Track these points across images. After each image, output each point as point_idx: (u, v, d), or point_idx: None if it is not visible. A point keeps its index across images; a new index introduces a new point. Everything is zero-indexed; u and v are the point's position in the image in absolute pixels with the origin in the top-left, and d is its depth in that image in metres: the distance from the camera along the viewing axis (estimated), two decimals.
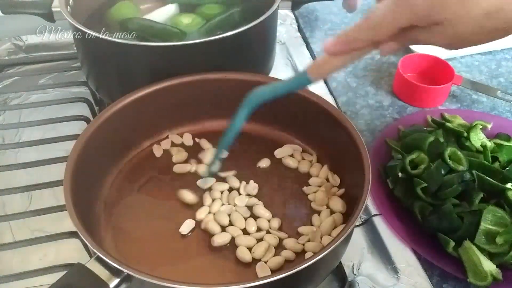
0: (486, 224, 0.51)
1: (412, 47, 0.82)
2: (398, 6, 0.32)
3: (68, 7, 0.66)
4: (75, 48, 0.70)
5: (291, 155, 0.61)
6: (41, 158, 0.61)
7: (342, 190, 0.56)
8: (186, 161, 0.60)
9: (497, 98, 0.75)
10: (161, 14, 0.74)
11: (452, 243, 0.52)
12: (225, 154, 0.54)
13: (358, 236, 0.56)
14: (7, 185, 0.58)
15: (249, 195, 0.56)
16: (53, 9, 0.72)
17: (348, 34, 0.37)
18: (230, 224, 0.53)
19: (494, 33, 0.31)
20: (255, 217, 0.54)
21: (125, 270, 0.40)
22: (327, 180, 0.58)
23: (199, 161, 0.60)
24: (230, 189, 0.57)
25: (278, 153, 0.61)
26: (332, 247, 0.41)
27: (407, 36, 0.34)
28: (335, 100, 0.76)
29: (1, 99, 0.76)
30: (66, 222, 0.45)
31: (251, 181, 0.57)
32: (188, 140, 0.63)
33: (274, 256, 0.50)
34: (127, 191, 0.57)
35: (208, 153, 0.60)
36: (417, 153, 0.59)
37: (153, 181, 0.58)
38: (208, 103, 0.63)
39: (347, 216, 0.53)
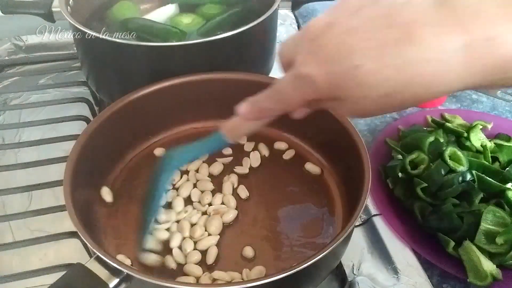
0: (486, 224, 0.51)
1: None
2: (299, 82, 0.33)
3: (68, 7, 0.66)
4: (75, 48, 0.70)
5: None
6: (41, 158, 0.61)
7: None
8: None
9: (497, 98, 0.75)
10: (161, 14, 0.74)
11: (452, 243, 0.52)
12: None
13: (358, 236, 0.56)
14: (7, 185, 0.58)
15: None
16: (53, 9, 0.72)
17: (259, 103, 0.39)
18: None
19: (391, 109, 0.32)
20: None
21: (124, 270, 0.40)
22: None
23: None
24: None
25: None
26: (332, 247, 0.41)
27: (316, 104, 0.35)
28: None
29: (1, 99, 0.76)
30: (66, 222, 0.45)
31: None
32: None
33: None
34: (127, 191, 0.57)
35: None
36: (417, 153, 0.59)
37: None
38: (208, 103, 0.63)
39: (347, 216, 0.53)
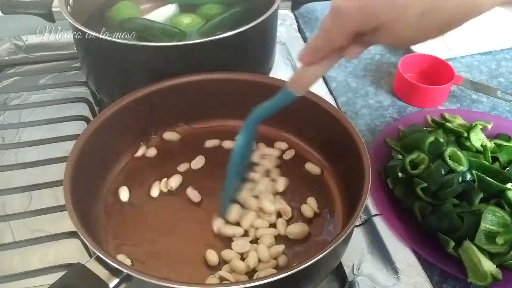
0: (486, 224, 0.51)
1: (412, 47, 0.82)
2: (336, 16, 0.35)
3: (68, 7, 0.66)
4: (75, 48, 0.70)
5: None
6: (41, 158, 0.61)
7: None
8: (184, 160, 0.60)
9: (497, 98, 0.75)
10: (161, 14, 0.74)
11: (452, 243, 0.52)
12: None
13: (358, 236, 0.56)
14: (7, 185, 0.58)
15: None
16: (53, 9, 0.72)
17: (310, 44, 0.40)
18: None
19: (430, 32, 0.32)
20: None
21: (124, 270, 0.40)
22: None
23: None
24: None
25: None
26: (332, 247, 0.41)
27: (363, 39, 0.36)
28: (335, 100, 0.76)
29: (1, 99, 0.76)
30: (66, 222, 0.45)
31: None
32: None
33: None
34: (127, 190, 0.57)
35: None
36: (417, 153, 0.59)
37: (153, 180, 0.58)
38: (208, 103, 0.63)
39: (347, 216, 0.53)
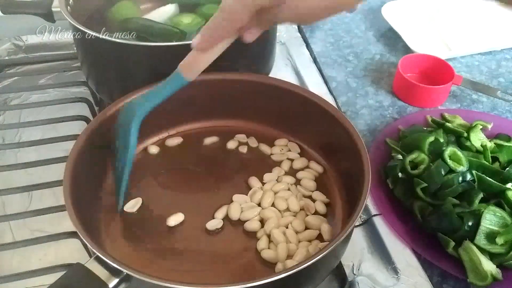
0: (486, 224, 0.51)
1: (412, 47, 0.82)
2: None
3: (68, 7, 0.66)
4: (75, 48, 0.70)
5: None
6: (41, 158, 0.61)
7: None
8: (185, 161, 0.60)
9: (497, 98, 0.75)
10: (161, 14, 0.74)
11: (452, 243, 0.52)
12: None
13: (358, 236, 0.56)
14: (7, 185, 0.58)
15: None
16: (53, 9, 0.72)
17: (210, 27, 0.40)
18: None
19: (328, 10, 0.34)
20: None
21: (124, 270, 0.40)
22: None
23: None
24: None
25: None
26: (332, 247, 0.41)
27: (263, 18, 0.37)
28: (335, 100, 0.76)
29: (1, 99, 0.76)
30: (66, 222, 0.45)
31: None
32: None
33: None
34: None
35: None
36: (417, 153, 0.59)
37: (152, 180, 0.58)
38: (208, 103, 0.63)
39: (347, 216, 0.53)
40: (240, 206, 0.54)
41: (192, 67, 0.44)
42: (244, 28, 0.39)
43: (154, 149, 0.62)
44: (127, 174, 0.51)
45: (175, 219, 0.53)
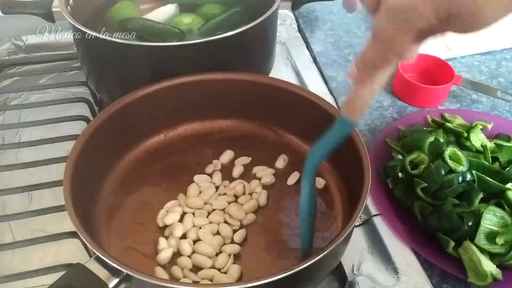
0: (486, 224, 0.51)
1: None
2: (400, 17, 0.29)
3: (68, 7, 0.66)
4: (75, 48, 0.70)
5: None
6: (41, 158, 0.61)
7: None
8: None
9: (497, 98, 0.75)
10: (161, 14, 0.74)
11: (452, 243, 0.52)
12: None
13: (358, 236, 0.56)
14: (7, 185, 0.58)
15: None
16: (53, 9, 0.72)
17: (364, 56, 0.34)
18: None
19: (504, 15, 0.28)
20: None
21: (124, 270, 0.40)
22: None
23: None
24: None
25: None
26: (332, 247, 0.41)
27: (426, 35, 0.32)
28: (335, 100, 0.76)
29: (1, 99, 0.76)
30: (66, 222, 0.45)
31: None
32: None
33: None
34: (127, 191, 0.57)
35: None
36: (417, 153, 0.59)
37: (153, 180, 0.58)
38: (208, 103, 0.63)
39: (347, 216, 0.53)
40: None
41: (356, 107, 0.38)
42: (403, 51, 0.33)
43: (153, 149, 0.62)
44: (307, 224, 0.46)
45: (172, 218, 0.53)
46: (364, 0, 0.33)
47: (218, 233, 0.52)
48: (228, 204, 0.55)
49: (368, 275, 0.52)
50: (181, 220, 0.53)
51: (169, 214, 0.53)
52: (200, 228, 0.52)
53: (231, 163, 0.60)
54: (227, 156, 0.61)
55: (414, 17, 0.29)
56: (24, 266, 0.52)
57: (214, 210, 0.54)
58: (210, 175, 0.59)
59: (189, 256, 0.50)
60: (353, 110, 0.38)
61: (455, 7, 0.28)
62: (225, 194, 0.56)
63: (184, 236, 0.52)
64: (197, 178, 0.58)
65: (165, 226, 0.53)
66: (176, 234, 0.51)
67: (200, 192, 0.56)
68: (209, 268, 0.49)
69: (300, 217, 0.46)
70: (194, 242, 0.51)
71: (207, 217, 0.54)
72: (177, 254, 0.50)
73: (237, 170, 0.59)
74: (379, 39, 0.32)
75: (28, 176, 0.60)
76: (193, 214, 0.54)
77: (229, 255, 0.50)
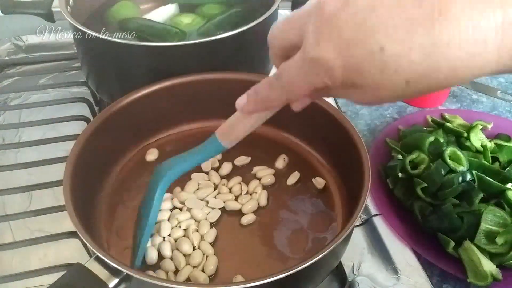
0: (486, 224, 0.51)
1: None
2: (312, 68, 0.30)
3: (68, 7, 0.66)
4: (75, 48, 0.70)
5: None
6: (41, 158, 0.61)
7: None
8: None
9: (497, 98, 0.75)
10: (161, 14, 0.74)
11: (452, 243, 0.52)
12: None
13: (358, 236, 0.56)
14: (7, 185, 0.58)
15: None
16: (53, 9, 0.72)
17: (260, 92, 0.35)
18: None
19: (417, 94, 0.29)
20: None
21: (124, 270, 0.40)
22: None
23: None
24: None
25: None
26: (332, 247, 0.41)
27: (324, 93, 0.33)
28: (335, 100, 0.76)
29: (1, 99, 0.76)
30: (66, 222, 0.45)
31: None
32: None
33: None
34: (127, 191, 0.57)
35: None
36: (417, 153, 0.59)
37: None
38: (208, 103, 0.63)
39: (347, 216, 0.53)
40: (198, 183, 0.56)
41: (231, 133, 0.39)
42: (296, 100, 0.34)
43: (153, 149, 0.62)
44: (147, 236, 0.48)
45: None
46: (274, 40, 0.33)
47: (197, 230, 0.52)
48: (224, 202, 0.55)
49: (368, 275, 0.52)
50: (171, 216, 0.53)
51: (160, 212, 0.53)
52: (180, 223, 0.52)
53: (231, 163, 0.60)
54: (226, 156, 0.61)
55: (325, 72, 0.29)
56: (24, 266, 0.52)
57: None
58: (207, 173, 0.59)
59: (171, 258, 0.49)
60: (229, 136, 0.40)
61: (361, 81, 0.28)
62: (222, 192, 0.56)
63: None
64: (195, 176, 0.58)
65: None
66: (162, 233, 0.51)
67: (197, 189, 0.56)
68: (186, 265, 0.48)
69: (144, 226, 0.47)
70: (176, 240, 0.51)
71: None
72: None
73: (235, 170, 0.59)
74: (283, 82, 0.33)
75: (28, 176, 0.60)
76: (180, 210, 0.54)
77: (204, 254, 0.49)
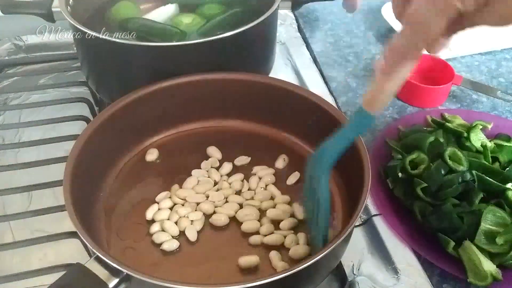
0: (486, 224, 0.51)
1: None
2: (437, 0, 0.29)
3: (68, 7, 0.66)
4: (75, 48, 0.70)
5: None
6: (41, 158, 0.61)
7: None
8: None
9: (497, 98, 0.75)
10: (161, 14, 0.74)
11: (452, 243, 0.52)
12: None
13: (358, 236, 0.56)
14: (7, 185, 0.58)
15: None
16: (53, 9, 0.72)
17: (395, 46, 0.34)
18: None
19: None
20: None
21: (124, 270, 0.40)
22: None
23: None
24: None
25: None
26: (332, 247, 0.41)
27: (456, 26, 0.31)
28: (335, 100, 0.76)
29: (1, 99, 0.76)
30: (66, 222, 0.45)
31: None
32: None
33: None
34: (127, 191, 0.57)
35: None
36: (417, 153, 0.59)
37: (153, 180, 0.58)
38: (208, 103, 0.63)
39: (347, 216, 0.53)
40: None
41: (377, 100, 0.38)
42: (434, 41, 0.33)
43: (153, 149, 0.62)
44: (326, 218, 0.47)
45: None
46: None
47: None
48: (225, 198, 0.55)
49: (368, 275, 0.52)
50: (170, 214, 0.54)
51: (160, 211, 0.54)
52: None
53: (231, 163, 0.60)
54: (227, 156, 0.61)
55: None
56: (24, 266, 0.52)
57: (199, 203, 0.54)
58: (207, 171, 0.59)
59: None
60: (375, 103, 0.38)
61: None
62: (223, 189, 0.56)
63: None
64: (195, 172, 0.58)
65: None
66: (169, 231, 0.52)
67: (197, 184, 0.57)
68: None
69: (319, 212, 0.46)
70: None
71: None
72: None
73: (236, 170, 0.59)
74: (413, 22, 0.32)
75: (28, 176, 0.60)
76: (183, 205, 0.54)
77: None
